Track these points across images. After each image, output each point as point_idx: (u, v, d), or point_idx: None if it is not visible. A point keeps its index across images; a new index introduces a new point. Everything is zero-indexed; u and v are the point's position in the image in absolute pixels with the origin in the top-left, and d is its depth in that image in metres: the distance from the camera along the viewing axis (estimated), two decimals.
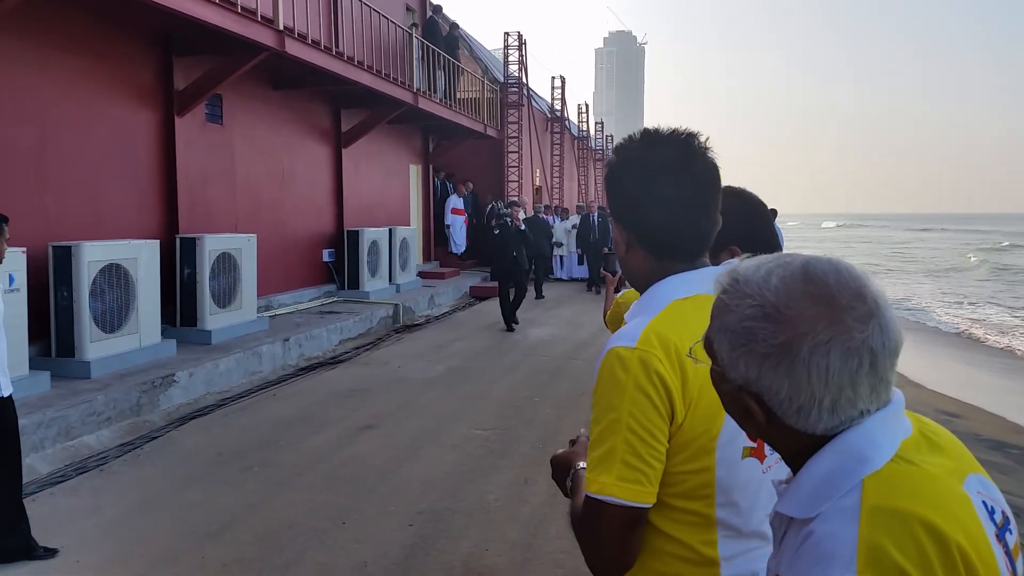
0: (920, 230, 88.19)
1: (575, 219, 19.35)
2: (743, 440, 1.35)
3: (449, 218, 17.75)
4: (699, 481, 1.35)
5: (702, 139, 1.41)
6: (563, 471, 1.54)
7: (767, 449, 1.37)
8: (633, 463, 1.29)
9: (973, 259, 37.89)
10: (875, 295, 0.93)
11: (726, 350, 0.97)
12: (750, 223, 1.89)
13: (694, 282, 1.41)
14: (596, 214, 17.63)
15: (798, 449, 0.97)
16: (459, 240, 17.77)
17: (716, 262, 2.10)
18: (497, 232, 11.65)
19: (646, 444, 1.29)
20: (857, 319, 0.90)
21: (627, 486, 1.28)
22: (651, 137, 1.42)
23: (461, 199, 17.94)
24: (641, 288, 1.48)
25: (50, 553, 3.92)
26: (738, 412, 1.01)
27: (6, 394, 3.80)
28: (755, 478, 1.37)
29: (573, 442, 1.61)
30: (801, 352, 0.90)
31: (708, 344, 1.02)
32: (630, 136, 1.45)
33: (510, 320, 11.37)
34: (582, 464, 1.47)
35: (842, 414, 0.92)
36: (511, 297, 11.37)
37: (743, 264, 1.00)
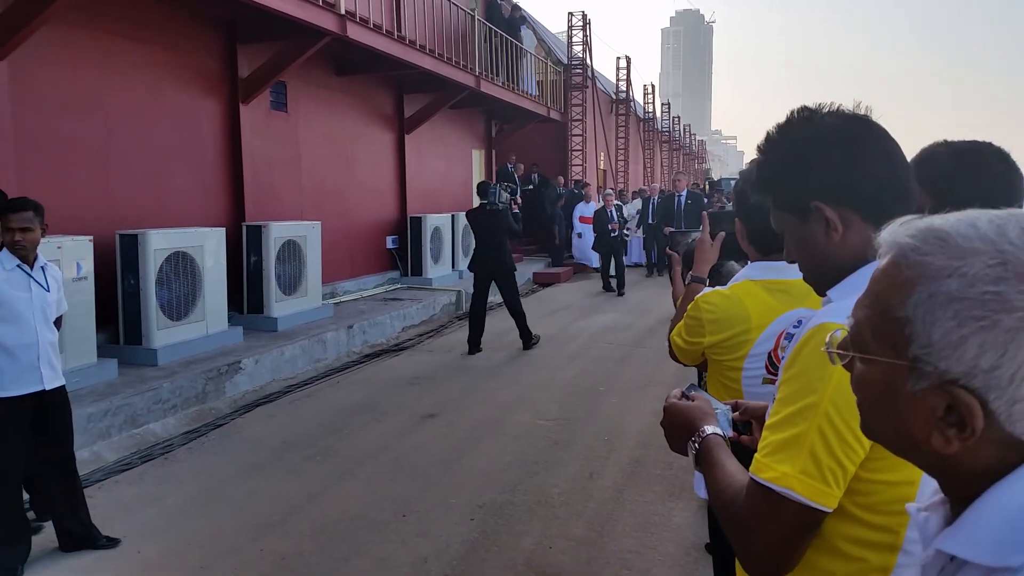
0: None
1: (638, 203, 18.95)
2: None
3: (579, 226, 16.36)
4: (896, 495, 1.15)
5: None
6: (683, 432, 1.35)
7: None
8: (823, 459, 1.12)
9: None
10: None
11: (945, 328, 0.71)
12: (988, 187, 1.61)
13: None
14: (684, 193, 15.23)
15: (988, 471, 0.73)
16: (589, 251, 15.45)
17: None
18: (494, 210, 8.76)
19: (843, 441, 1.13)
20: None
21: (810, 482, 1.12)
22: (819, 111, 1.30)
23: (590, 205, 15.82)
24: (842, 275, 1.26)
25: (112, 543, 3.91)
26: (921, 422, 0.75)
27: (56, 385, 3.77)
28: None
29: (687, 396, 1.41)
30: None
31: (891, 327, 0.75)
32: (789, 118, 1.31)
33: (472, 343, 8.68)
34: (709, 428, 1.30)
35: None
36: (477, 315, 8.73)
37: (935, 219, 0.77)
